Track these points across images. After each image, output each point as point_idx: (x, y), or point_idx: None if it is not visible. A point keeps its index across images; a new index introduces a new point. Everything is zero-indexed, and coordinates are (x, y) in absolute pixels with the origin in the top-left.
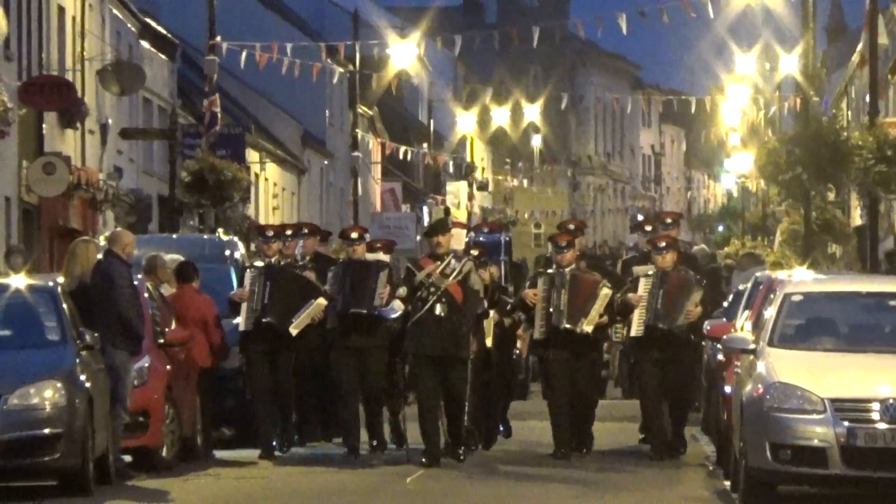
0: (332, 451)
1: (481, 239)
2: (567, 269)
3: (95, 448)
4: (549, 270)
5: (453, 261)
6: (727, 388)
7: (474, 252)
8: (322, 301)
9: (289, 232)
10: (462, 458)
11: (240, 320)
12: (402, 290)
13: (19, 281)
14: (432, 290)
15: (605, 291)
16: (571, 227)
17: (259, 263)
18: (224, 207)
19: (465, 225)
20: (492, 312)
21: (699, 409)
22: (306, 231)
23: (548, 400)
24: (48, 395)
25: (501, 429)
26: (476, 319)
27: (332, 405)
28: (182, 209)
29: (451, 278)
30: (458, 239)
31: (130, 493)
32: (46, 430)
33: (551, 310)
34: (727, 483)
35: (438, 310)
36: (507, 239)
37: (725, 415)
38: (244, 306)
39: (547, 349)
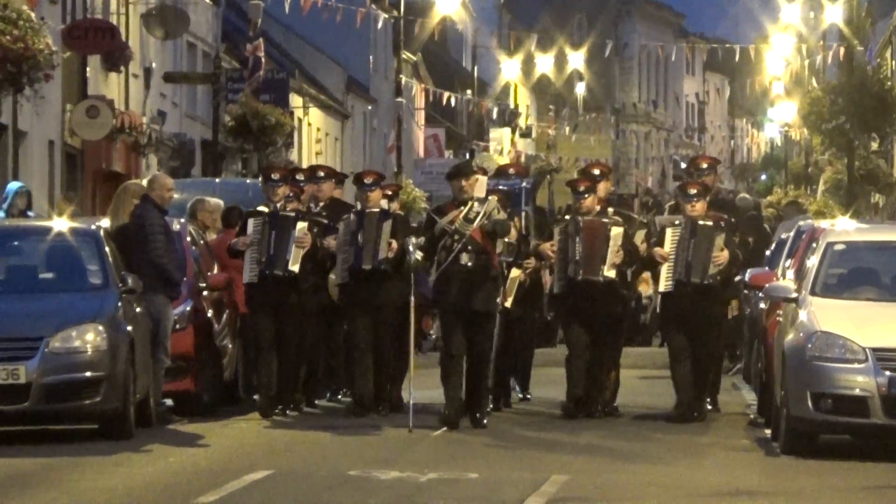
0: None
1: (501, 186)
2: (582, 217)
3: (137, 392)
4: (566, 218)
5: (476, 205)
6: (769, 337)
7: (493, 198)
8: (301, 224)
9: (300, 176)
10: (484, 422)
11: (245, 272)
12: (421, 239)
13: (62, 224)
14: (456, 237)
15: (616, 231)
16: (596, 171)
17: (263, 209)
18: (267, 152)
19: (485, 171)
20: (517, 271)
21: (740, 357)
22: (322, 174)
23: (568, 356)
24: (90, 338)
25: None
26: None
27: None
28: (225, 154)
29: (475, 223)
30: (479, 186)
31: (171, 437)
32: (88, 374)
33: (569, 261)
34: (768, 431)
35: (464, 259)
36: (529, 186)
37: (767, 363)
38: (247, 257)
39: (566, 304)
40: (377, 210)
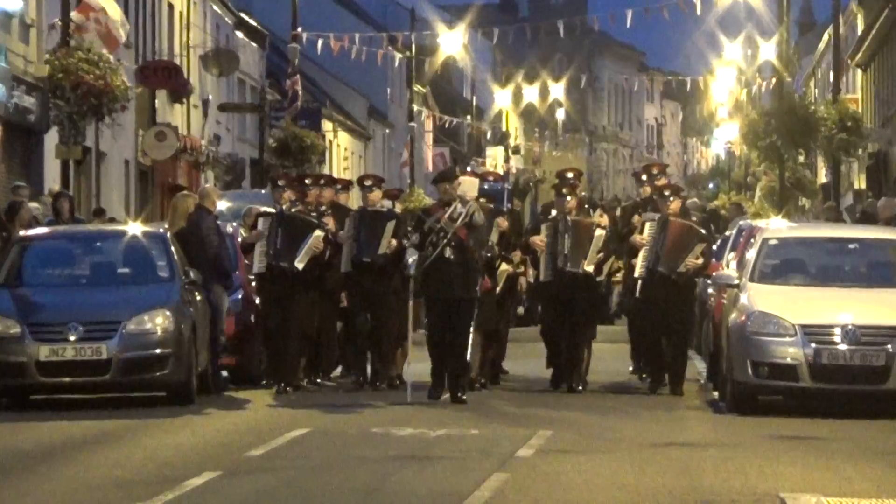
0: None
1: (485, 187)
2: (569, 216)
3: (198, 365)
4: (550, 217)
5: (459, 206)
6: (716, 317)
7: (482, 200)
8: (319, 232)
9: (308, 181)
10: (464, 397)
11: (254, 263)
12: (414, 238)
13: (135, 228)
14: (441, 234)
15: (599, 233)
16: (570, 175)
17: (271, 210)
18: (304, 168)
19: (477, 174)
20: (506, 265)
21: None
22: (323, 182)
23: (547, 338)
24: (159, 321)
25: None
26: (486, 261)
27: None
28: (269, 170)
29: (458, 222)
30: (471, 187)
31: (227, 403)
32: (158, 351)
33: (557, 254)
34: (716, 394)
35: (448, 253)
36: (509, 188)
37: (715, 338)
38: (257, 250)
39: (551, 291)
40: (384, 210)
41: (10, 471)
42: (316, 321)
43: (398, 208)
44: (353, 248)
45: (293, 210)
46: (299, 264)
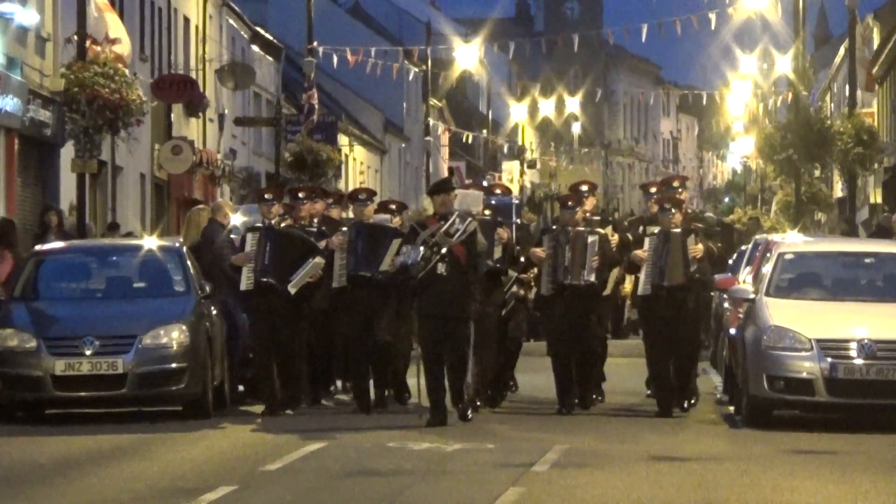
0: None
1: (493, 202)
2: (570, 228)
3: (214, 379)
4: (553, 228)
5: (458, 220)
6: (732, 331)
7: (487, 213)
8: (320, 260)
9: (301, 195)
10: (469, 416)
11: (241, 280)
12: (408, 248)
13: (151, 242)
14: (435, 249)
15: (592, 238)
16: (584, 187)
17: (258, 225)
18: (320, 182)
19: (482, 187)
20: (516, 287)
21: (708, 347)
22: (314, 195)
23: (552, 356)
24: (175, 335)
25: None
26: (487, 277)
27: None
28: (285, 183)
29: (455, 238)
30: (474, 201)
31: (243, 417)
32: (174, 365)
33: (557, 267)
34: (732, 408)
35: (441, 269)
36: (518, 202)
37: (730, 352)
38: (245, 267)
39: (553, 305)
40: (388, 226)
41: (27, 484)
42: (301, 339)
43: (396, 222)
44: (349, 262)
45: (283, 225)
46: (293, 288)
